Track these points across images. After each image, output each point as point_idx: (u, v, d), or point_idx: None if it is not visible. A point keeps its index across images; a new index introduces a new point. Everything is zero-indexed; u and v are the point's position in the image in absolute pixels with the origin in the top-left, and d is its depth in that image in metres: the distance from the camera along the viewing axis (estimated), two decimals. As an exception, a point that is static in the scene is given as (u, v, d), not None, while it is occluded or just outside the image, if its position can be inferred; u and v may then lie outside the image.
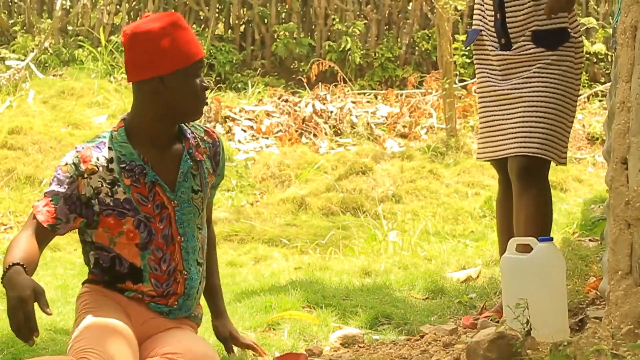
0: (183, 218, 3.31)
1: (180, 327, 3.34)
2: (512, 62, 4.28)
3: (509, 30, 4.28)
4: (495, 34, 4.33)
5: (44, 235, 3.16)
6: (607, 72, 11.67)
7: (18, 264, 2.98)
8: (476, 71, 4.51)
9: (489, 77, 4.37)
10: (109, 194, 3.22)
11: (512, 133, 4.22)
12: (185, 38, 3.23)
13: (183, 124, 3.35)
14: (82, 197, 3.19)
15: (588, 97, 11.09)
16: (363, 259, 6.38)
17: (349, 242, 7.02)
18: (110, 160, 3.23)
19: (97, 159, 3.22)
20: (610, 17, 11.95)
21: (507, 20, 4.28)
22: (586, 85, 11.45)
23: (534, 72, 4.21)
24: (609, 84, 4.34)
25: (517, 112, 4.22)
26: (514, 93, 4.25)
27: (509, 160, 4.25)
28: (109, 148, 3.24)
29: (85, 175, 3.20)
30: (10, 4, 12.44)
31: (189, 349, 3.11)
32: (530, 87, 4.20)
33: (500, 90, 4.30)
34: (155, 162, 3.27)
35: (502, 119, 4.29)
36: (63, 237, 7.14)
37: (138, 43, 3.23)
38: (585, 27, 11.59)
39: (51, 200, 3.18)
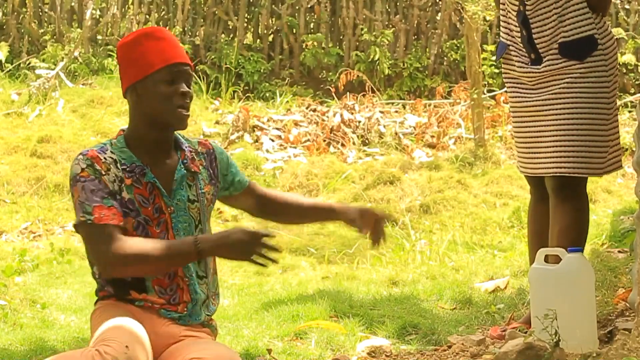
0: (179, 226, 3.35)
1: (199, 336, 3.35)
2: (542, 77, 4.25)
3: (537, 46, 4.25)
4: (523, 50, 4.30)
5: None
6: (637, 82, 11.61)
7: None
8: (506, 85, 4.49)
9: (518, 92, 4.35)
10: (118, 192, 3.27)
11: (547, 152, 4.18)
12: (156, 47, 3.32)
13: (180, 137, 3.44)
14: (113, 192, 3.25)
15: (618, 108, 11.02)
16: (391, 268, 6.38)
17: (377, 252, 7.01)
18: (113, 163, 3.28)
19: (104, 159, 3.27)
20: (640, 28, 11.91)
21: (533, 35, 4.25)
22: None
23: (563, 87, 4.17)
24: (639, 94, 4.31)
25: (550, 130, 4.18)
26: (545, 110, 4.21)
27: (546, 177, 4.22)
28: (112, 152, 3.31)
29: (104, 173, 3.24)
30: (40, 13, 12.53)
31: (213, 352, 3.12)
32: (561, 104, 4.16)
33: (532, 104, 4.27)
34: (153, 167, 3.34)
35: (536, 136, 4.25)
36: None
37: (118, 55, 3.39)
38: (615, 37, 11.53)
39: (105, 203, 3.20)
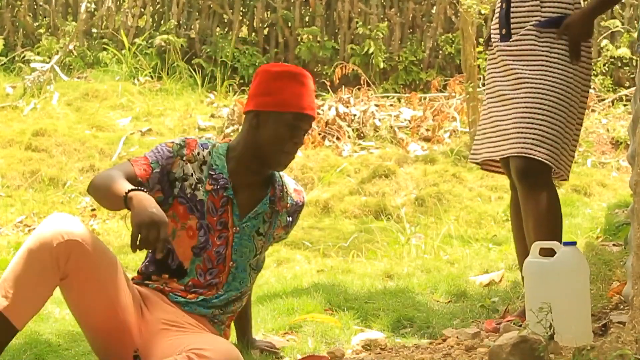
0: (239, 248, 3.50)
1: (201, 331, 3.39)
2: (510, 54, 4.24)
3: (512, 21, 4.26)
4: (497, 26, 4.32)
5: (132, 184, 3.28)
6: (632, 76, 11.61)
7: (145, 190, 3.18)
8: (486, 74, 4.49)
9: (493, 77, 4.36)
10: (193, 186, 3.43)
11: (508, 134, 4.18)
12: (294, 90, 3.43)
13: (278, 174, 3.59)
14: (171, 174, 3.40)
15: (612, 102, 11.03)
16: (385, 262, 6.38)
17: (372, 245, 7.01)
18: (204, 162, 3.45)
19: (198, 154, 3.45)
20: (635, 21, 11.90)
21: (511, 9, 4.26)
22: (610, 89, 11.40)
23: (530, 73, 4.16)
24: (634, 88, 4.30)
25: (513, 113, 4.18)
26: (511, 93, 4.21)
27: (510, 163, 4.22)
28: (209, 153, 3.47)
29: (184, 159, 3.42)
30: (35, 6, 12.51)
31: (213, 345, 3.15)
32: (527, 89, 4.16)
33: (501, 88, 4.27)
34: (239, 188, 3.48)
35: (500, 119, 4.25)
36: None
37: (257, 77, 3.48)
38: (610, 30, 11.53)
39: (151, 163, 3.38)
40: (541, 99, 4.12)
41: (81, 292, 3.20)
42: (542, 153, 4.08)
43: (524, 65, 4.20)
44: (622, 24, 11.86)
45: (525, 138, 4.11)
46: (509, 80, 4.25)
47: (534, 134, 4.09)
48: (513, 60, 4.24)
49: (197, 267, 3.45)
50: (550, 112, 4.11)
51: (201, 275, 3.45)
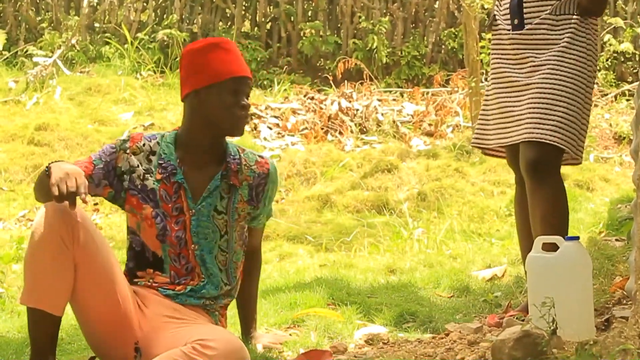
0: (199, 230, 3.51)
1: (201, 322, 3.41)
2: (524, 44, 4.20)
3: (525, 11, 4.23)
4: (508, 15, 4.29)
5: None
6: (635, 71, 11.60)
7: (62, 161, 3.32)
8: (490, 58, 4.47)
9: (501, 64, 4.32)
10: (141, 177, 3.48)
11: (522, 119, 4.15)
12: (222, 57, 3.48)
13: (233, 148, 3.60)
14: (117, 168, 3.48)
15: (615, 96, 11.02)
16: (388, 256, 6.37)
17: (374, 240, 7.01)
18: (152, 153, 3.51)
19: (144, 145, 3.52)
20: (638, 16, 11.88)
21: (524, 0, 4.24)
22: (613, 84, 11.39)
23: (545, 59, 4.14)
24: (637, 83, 4.28)
25: (528, 98, 4.15)
26: (525, 80, 4.18)
27: (520, 152, 4.18)
28: (157, 143, 3.53)
29: (128, 152, 3.49)
30: (37, 1, 12.51)
31: (216, 335, 3.18)
32: (542, 74, 4.12)
33: (513, 77, 4.24)
34: (189, 171, 3.51)
35: (512, 105, 4.21)
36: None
37: (183, 61, 3.54)
38: (612, 26, 11.52)
39: (93, 161, 3.47)
40: (558, 84, 4.08)
41: (86, 278, 3.25)
42: (559, 138, 4.04)
43: (539, 53, 4.16)
44: (625, 19, 11.84)
45: (542, 124, 4.06)
46: (523, 69, 4.20)
47: (551, 119, 4.05)
48: (527, 49, 4.20)
49: (170, 252, 3.48)
50: (568, 97, 4.07)
51: (176, 261, 3.48)
